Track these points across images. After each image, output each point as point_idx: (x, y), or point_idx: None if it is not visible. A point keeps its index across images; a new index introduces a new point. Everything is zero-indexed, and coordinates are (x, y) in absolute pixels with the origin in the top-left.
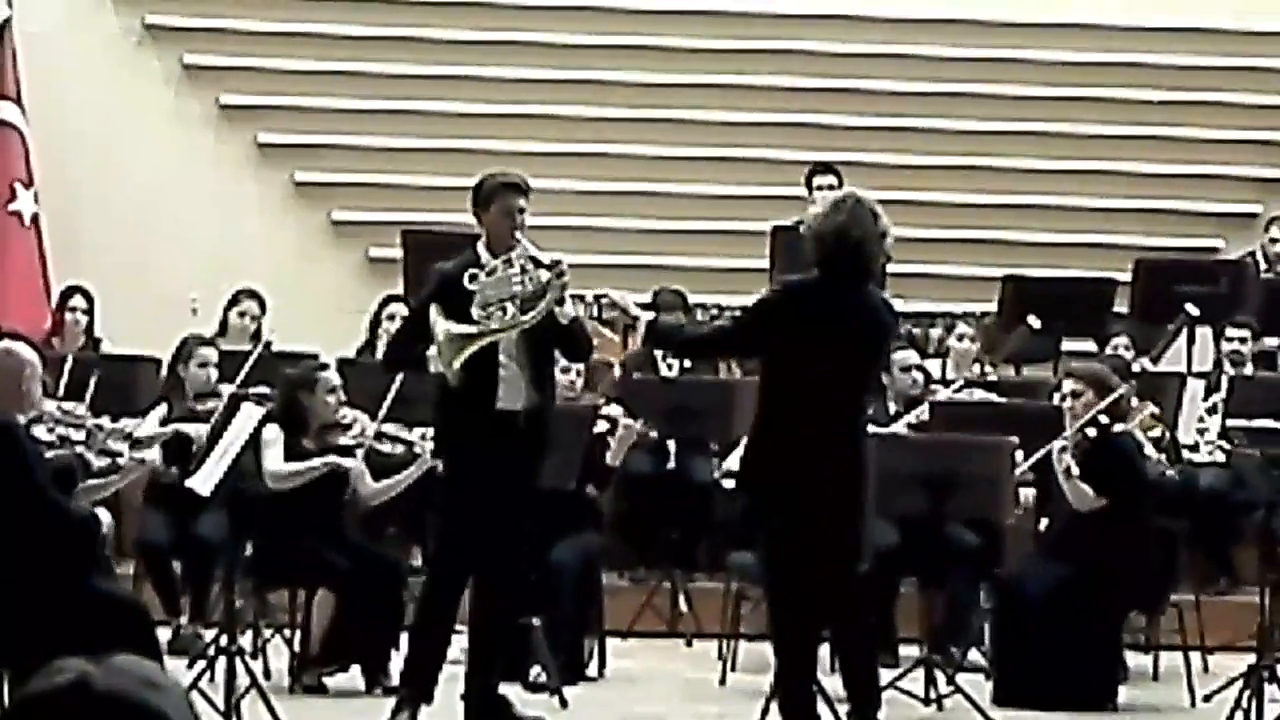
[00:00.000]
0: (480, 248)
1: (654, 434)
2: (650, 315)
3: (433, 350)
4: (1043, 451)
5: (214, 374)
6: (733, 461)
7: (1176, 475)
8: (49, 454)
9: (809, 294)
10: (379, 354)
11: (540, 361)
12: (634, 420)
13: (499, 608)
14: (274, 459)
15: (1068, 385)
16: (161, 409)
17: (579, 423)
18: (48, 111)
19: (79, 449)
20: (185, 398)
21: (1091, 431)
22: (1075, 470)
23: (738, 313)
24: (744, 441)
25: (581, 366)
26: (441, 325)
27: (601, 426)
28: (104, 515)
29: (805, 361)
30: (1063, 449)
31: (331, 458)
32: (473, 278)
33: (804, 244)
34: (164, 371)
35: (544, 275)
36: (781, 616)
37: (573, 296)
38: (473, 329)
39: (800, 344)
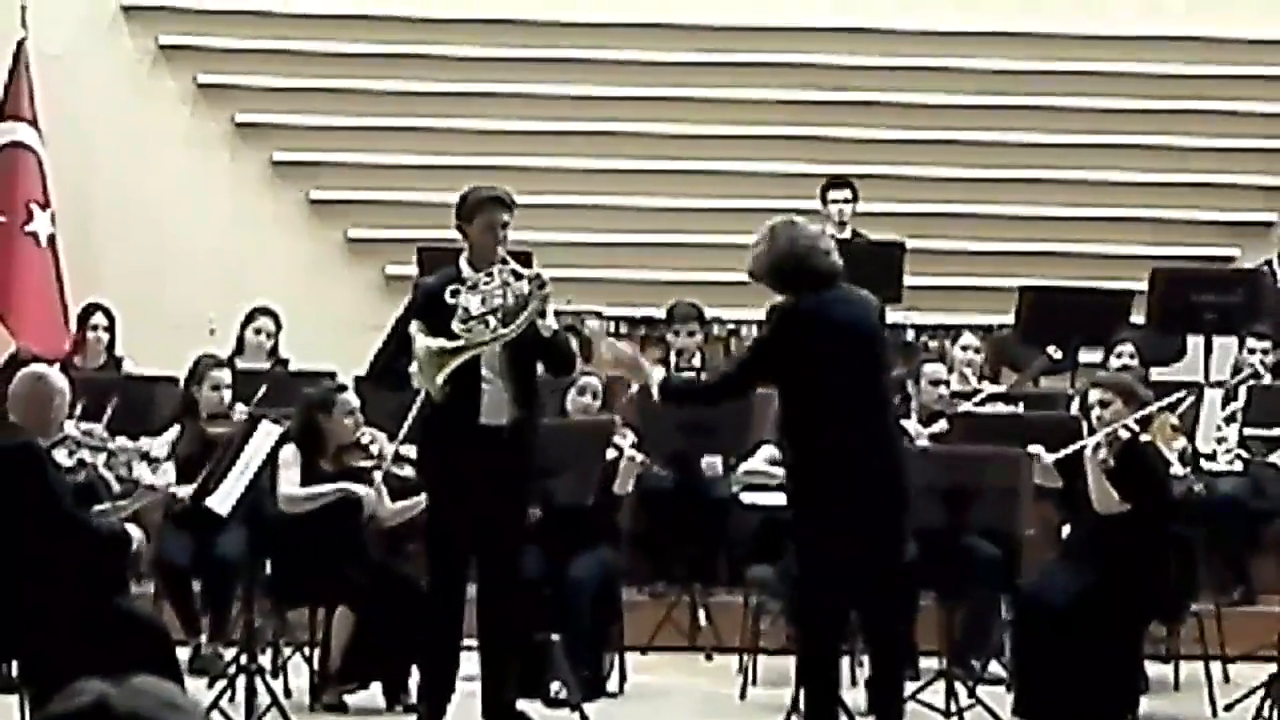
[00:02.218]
0: (463, 262)
1: (656, 469)
2: (660, 375)
3: (415, 366)
4: (1074, 447)
5: (228, 395)
6: (752, 464)
7: (1204, 490)
8: (70, 478)
9: (798, 310)
10: None
11: (523, 376)
12: (640, 453)
13: (504, 622)
14: (288, 482)
15: (1095, 395)
16: (173, 431)
17: (596, 438)
18: (63, 132)
19: (100, 471)
20: (199, 419)
21: (1124, 434)
22: (1111, 462)
23: (742, 353)
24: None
25: (600, 388)
26: (422, 340)
27: (609, 454)
28: (135, 531)
29: (817, 374)
30: (1096, 445)
31: (345, 484)
32: (454, 292)
33: (764, 283)
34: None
35: (525, 288)
36: (808, 629)
37: (589, 312)
38: (454, 343)
39: (806, 360)
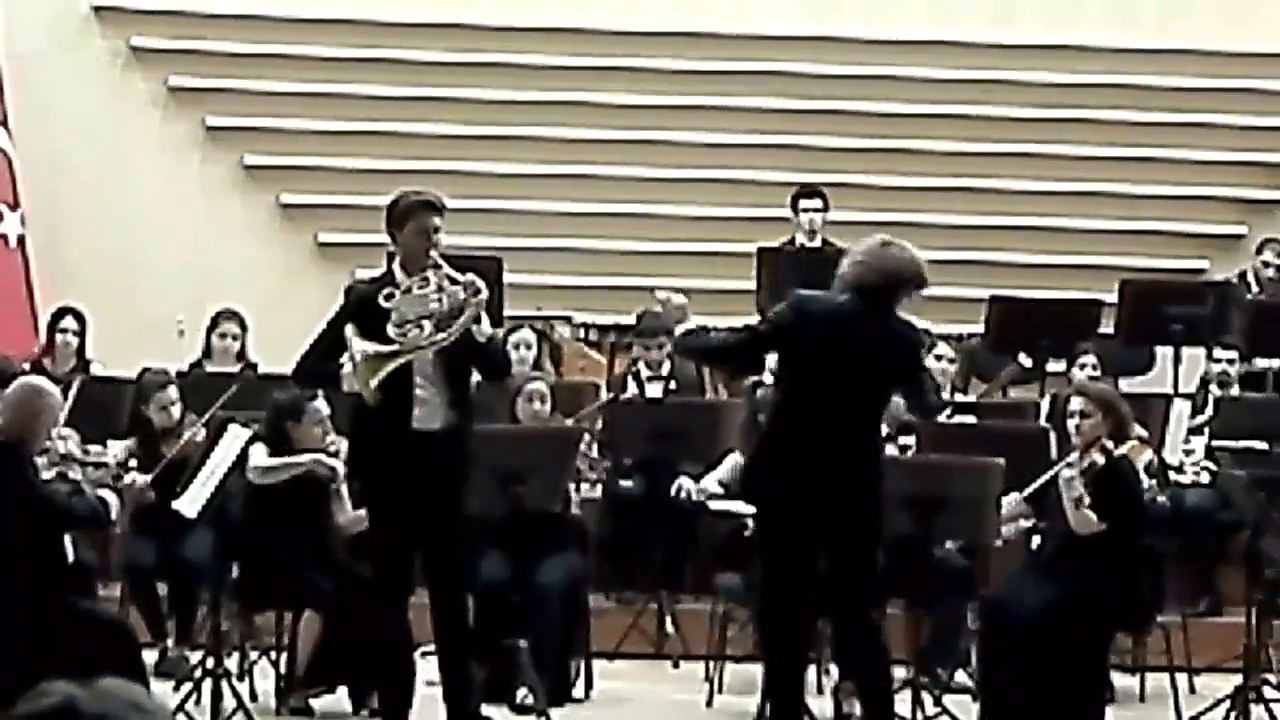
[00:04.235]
0: (395, 266)
1: (605, 464)
2: (686, 325)
3: (347, 369)
4: (1047, 476)
5: (177, 411)
6: (708, 481)
7: (1168, 502)
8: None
9: (828, 314)
10: None
11: (457, 382)
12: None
13: (457, 626)
14: (258, 456)
15: (1077, 403)
16: (129, 442)
17: (564, 444)
18: (34, 134)
19: (84, 486)
20: (153, 436)
21: (1100, 459)
22: (1088, 500)
23: (757, 325)
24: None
25: (547, 392)
26: (358, 345)
27: None
28: (110, 496)
29: (823, 380)
30: (1070, 479)
31: (316, 456)
32: (388, 296)
33: (846, 269)
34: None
35: (461, 294)
36: (772, 635)
37: (558, 318)
38: (389, 347)
39: (819, 362)
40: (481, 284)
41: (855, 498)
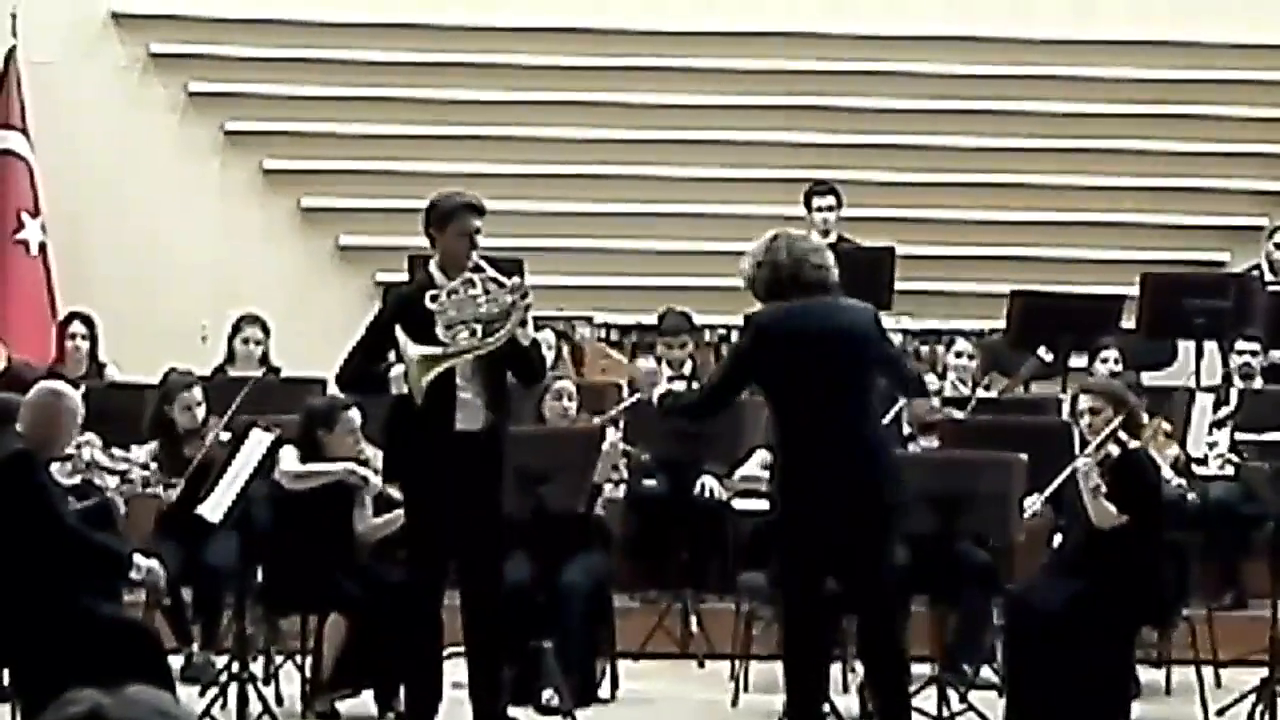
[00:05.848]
0: (433, 268)
1: (645, 456)
2: (661, 390)
3: (396, 371)
4: (1065, 474)
5: (201, 413)
6: (747, 469)
7: (1197, 498)
8: (78, 499)
9: (778, 319)
10: None
11: (496, 382)
12: (622, 442)
13: (489, 628)
14: (289, 460)
15: (1085, 401)
16: (151, 446)
17: (587, 444)
18: (53, 140)
19: (109, 494)
20: (176, 438)
21: (1115, 450)
22: (1104, 489)
23: (722, 363)
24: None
25: (574, 390)
26: (413, 349)
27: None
28: (145, 561)
29: (805, 387)
30: (1087, 471)
31: (349, 465)
32: (434, 298)
33: (755, 292)
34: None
35: (507, 298)
36: (794, 633)
37: (580, 319)
38: (442, 350)
39: (786, 369)
40: (528, 288)
41: (864, 500)
